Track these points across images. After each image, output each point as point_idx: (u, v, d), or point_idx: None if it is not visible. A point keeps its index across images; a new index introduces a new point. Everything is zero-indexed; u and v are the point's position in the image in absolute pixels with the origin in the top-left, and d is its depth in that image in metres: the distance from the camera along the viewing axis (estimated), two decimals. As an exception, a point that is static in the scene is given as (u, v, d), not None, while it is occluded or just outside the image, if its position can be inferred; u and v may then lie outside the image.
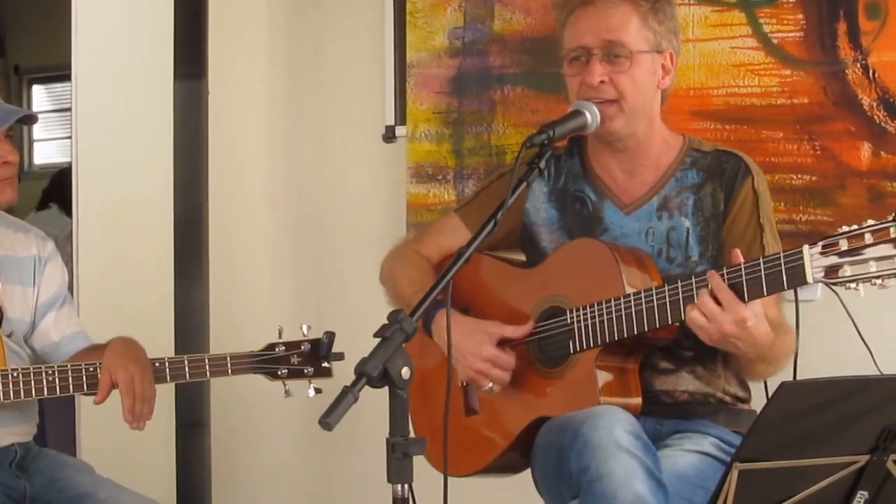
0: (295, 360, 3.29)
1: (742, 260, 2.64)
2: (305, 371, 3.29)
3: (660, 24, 2.97)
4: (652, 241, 2.99)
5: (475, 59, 4.19)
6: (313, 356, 3.29)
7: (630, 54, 2.93)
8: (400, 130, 4.36)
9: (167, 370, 3.25)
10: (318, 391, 3.26)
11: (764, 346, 2.73)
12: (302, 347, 3.29)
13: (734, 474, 2.30)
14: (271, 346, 3.30)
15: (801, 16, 3.63)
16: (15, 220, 3.51)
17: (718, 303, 2.64)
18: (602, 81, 2.93)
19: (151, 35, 4.77)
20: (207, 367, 3.27)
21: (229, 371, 3.28)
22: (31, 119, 3.47)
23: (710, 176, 2.99)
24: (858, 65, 3.55)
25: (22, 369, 3.20)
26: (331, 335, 3.24)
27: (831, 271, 2.49)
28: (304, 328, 3.30)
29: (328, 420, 2.24)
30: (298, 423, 4.45)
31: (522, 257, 3.19)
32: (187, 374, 3.27)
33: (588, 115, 2.89)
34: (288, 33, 4.68)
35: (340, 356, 3.23)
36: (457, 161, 4.21)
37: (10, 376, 3.17)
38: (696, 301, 2.67)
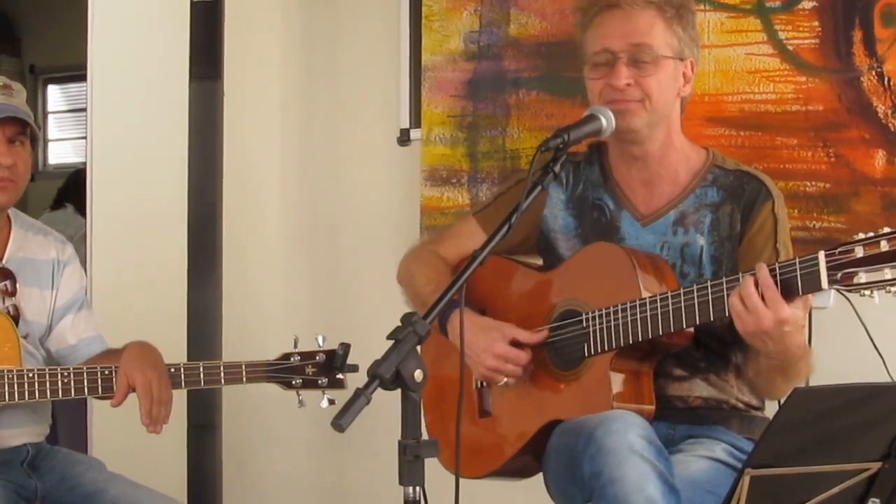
0: (310, 370, 3.29)
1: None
2: (320, 382, 3.29)
3: (683, 31, 2.96)
4: (667, 255, 2.98)
5: (490, 62, 4.19)
6: (328, 367, 3.29)
7: (656, 59, 2.93)
8: (414, 133, 4.37)
9: (182, 376, 3.26)
10: (331, 402, 3.25)
11: (794, 356, 2.73)
12: (317, 358, 3.29)
13: (745, 480, 2.30)
14: (286, 356, 3.30)
15: (816, 23, 3.63)
16: (34, 223, 3.50)
17: (761, 297, 2.63)
18: (628, 84, 2.92)
19: (167, 36, 4.79)
20: (222, 374, 3.27)
21: (244, 379, 3.28)
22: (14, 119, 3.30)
23: (730, 196, 2.97)
24: (874, 72, 3.55)
25: (38, 370, 3.20)
26: (346, 346, 3.23)
27: (846, 277, 2.50)
28: (320, 338, 3.29)
29: (340, 422, 2.25)
30: (310, 425, 4.44)
31: (540, 262, 3.19)
32: (202, 381, 3.28)
33: (603, 119, 2.87)
34: (303, 35, 4.68)
35: (355, 368, 3.22)
36: (471, 165, 4.22)
37: (24, 376, 3.17)
38: (738, 290, 2.65)
